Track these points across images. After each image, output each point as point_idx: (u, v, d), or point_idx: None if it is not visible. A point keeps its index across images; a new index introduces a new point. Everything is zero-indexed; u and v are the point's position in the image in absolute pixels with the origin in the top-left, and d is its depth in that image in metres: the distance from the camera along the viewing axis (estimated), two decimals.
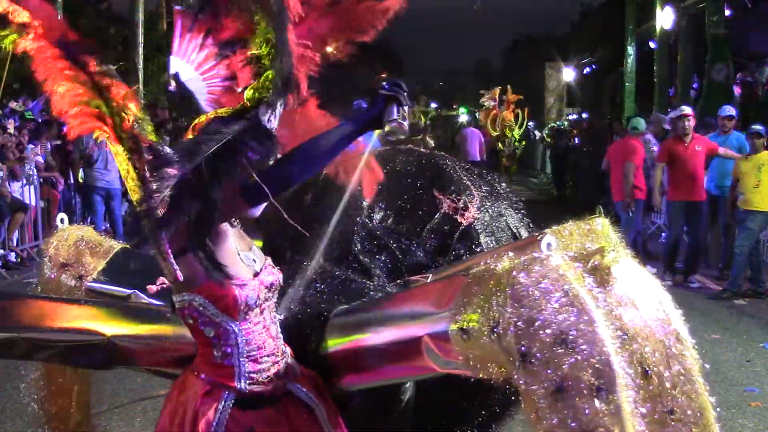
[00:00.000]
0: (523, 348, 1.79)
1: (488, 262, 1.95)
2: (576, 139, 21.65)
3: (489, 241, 2.92)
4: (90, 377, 3.32)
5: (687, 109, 9.57)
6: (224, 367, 2.18)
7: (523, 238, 2.96)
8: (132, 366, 2.72)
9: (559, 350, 1.76)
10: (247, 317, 2.16)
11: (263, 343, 2.19)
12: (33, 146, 10.85)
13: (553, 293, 1.81)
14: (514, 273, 1.86)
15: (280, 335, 2.26)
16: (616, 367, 1.78)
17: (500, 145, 22.50)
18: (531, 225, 3.16)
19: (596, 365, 1.75)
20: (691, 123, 9.24)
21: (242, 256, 2.18)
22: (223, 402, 2.17)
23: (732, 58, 16.57)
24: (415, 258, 2.84)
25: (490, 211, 3.02)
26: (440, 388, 2.61)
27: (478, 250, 2.85)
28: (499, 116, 20.64)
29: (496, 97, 22.80)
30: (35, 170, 10.41)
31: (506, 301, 1.83)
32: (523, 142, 23.74)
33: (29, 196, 10.29)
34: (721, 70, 16.05)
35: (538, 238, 2.19)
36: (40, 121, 12.19)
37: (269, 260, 2.27)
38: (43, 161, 10.88)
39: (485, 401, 2.80)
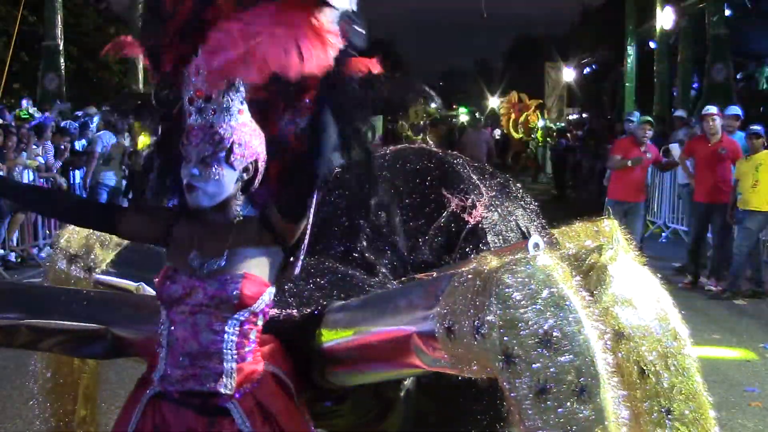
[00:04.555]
0: (506, 349, 1.79)
1: (475, 262, 1.95)
2: (571, 139, 21.69)
3: (496, 241, 2.92)
4: (99, 372, 3.33)
5: (713, 109, 9.28)
6: (155, 355, 2.21)
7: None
8: (135, 357, 2.73)
9: (543, 351, 1.77)
10: (173, 308, 2.16)
11: (185, 342, 2.14)
12: (35, 147, 10.88)
13: (538, 294, 1.81)
14: (500, 273, 1.86)
15: (223, 350, 2.15)
16: (600, 369, 1.78)
17: (530, 146, 22.67)
18: (544, 226, 3.14)
19: (580, 366, 1.76)
20: (717, 123, 9.00)
21: (192, 253, 2.18)
22: (146, 394, 2.20)
23: (732, 58, 16.58)
24: (421, 256, 2.84)
25: (499, 210, 3.01)
26: (444, 389, 2.61)
27: (485, 249, 2.84)
28: (521, 119, 20.79)
29: (515, 101, 22.97)
30: (34, 171, 10.43)
31: (491, 301, 1.83)
32: (548, 139, 23.96)
33: None
34: (721, 70, 16.06)
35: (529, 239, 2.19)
36: (40, 121, 12.26)
37: (233, 276, 2.15)
38: (44, 162, 10.91)
39: (492, 401, 2.79)
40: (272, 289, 2.21)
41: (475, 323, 1.84)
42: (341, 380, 2.38)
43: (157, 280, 2.23)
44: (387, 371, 2.33)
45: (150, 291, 2.78)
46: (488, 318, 1.81)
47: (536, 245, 1.92)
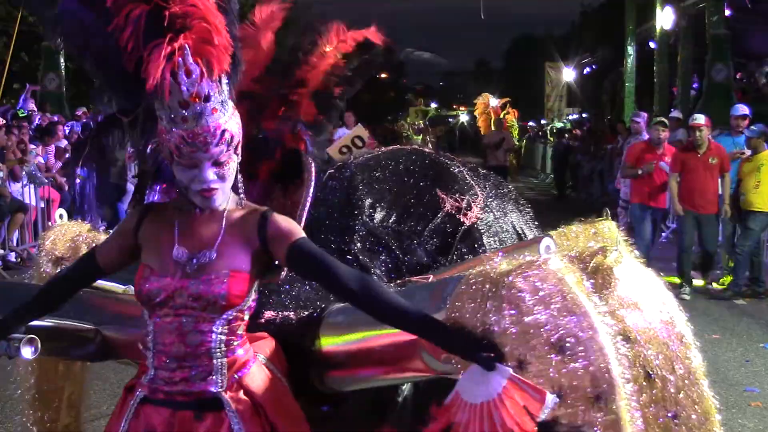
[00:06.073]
0: (519, 355, 1.74)
1: (485, 264, 1.90)
2: (571, 139, 21.64)
3: (492, 242, 2.90)
4: (85, 379, 3.28)
5: (700, 118, 8.89)
6: (143, 362, 2.15)
7: (527, 239, 2.93)
8: (124, 359, 2.70)
9: (557, 357, 1.71)
10: (155, 312, 2.08)
11: (170, 345, 2.07)
12: (34, 147, 10.87)
13: (551, 298, 1.75)
14: (511, 277, 1.80)
15: (210, 351, 2.08)
16: (615, 375, 1.72)
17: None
18: (538, 226, 3.12)
19: (595, 373, 1.71)
20: (704, 133, 8.63)
21: (175, 250, 2.08)
22: (134, 399, 2.13)
23: (732, 58, 16.57)
24: (416, 258, 2.82)
25: (494, 211, 2.99)
26: (443, 393, 2.59)
27: (481, 250, 2.83)
28: (495, 118, 20.83)
29: (488, 101, 23.07)
30: (37, 170, 10.42)
31: (502, 305, 1.78)
32: (524, 141, 23.91)
33: (29, 196, 10.29)
34: (721, 70, 16.05)
35: (539, 240, 2.16)
36: (33, 118, 12.28)
37: (219, 275, 2.06)
38: (44, 162, 10.89)
39: None
40: (257, 285, 2.14)
41: (486, 327, 1.79)
42: (340, 385, 2.34)
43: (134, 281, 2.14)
44: (389, 376, 2.28)
45: None
46: (500, 323, 1.77)
47: (548, 248, 1.89)
